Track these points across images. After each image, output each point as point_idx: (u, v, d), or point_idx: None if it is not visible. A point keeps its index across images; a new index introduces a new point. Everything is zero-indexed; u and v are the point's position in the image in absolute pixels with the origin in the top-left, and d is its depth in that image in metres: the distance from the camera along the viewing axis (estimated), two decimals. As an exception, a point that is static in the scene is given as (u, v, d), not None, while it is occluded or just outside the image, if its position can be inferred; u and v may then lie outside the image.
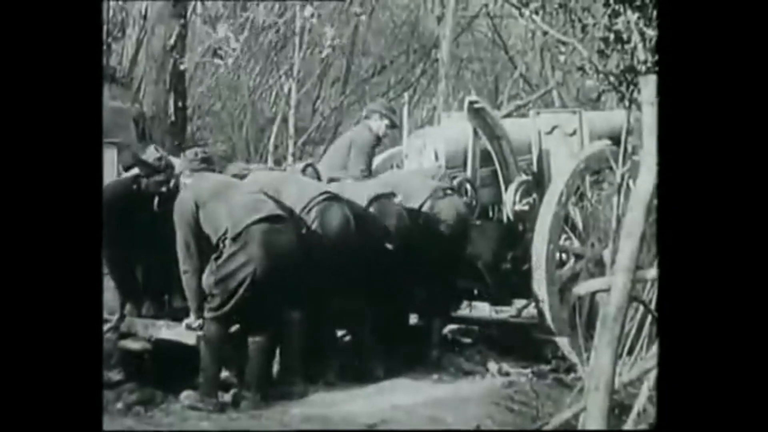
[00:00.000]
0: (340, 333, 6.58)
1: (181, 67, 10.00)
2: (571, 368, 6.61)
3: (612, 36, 5.10)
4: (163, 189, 5.92)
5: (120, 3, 10.89)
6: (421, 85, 16.85)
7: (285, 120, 11.73)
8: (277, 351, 5.79)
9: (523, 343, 7.36)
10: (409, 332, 6.89)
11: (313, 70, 14.89)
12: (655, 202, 3.54)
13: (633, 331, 5.01)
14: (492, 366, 6.71)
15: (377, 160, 7.83)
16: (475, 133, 7.35)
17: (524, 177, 7.39)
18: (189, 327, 5.60)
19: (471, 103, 7.26)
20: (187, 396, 5.40)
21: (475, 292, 7.61)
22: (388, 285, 6.22)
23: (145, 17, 10.50)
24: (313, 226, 5.83)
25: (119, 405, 5.41)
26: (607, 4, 5.07)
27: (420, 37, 16.91)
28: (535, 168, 7.50)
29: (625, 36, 5.02)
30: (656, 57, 4.58)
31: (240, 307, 5.42)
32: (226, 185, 5.75)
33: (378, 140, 7.48)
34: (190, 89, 12.17)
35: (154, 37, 10.03)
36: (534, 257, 6.91)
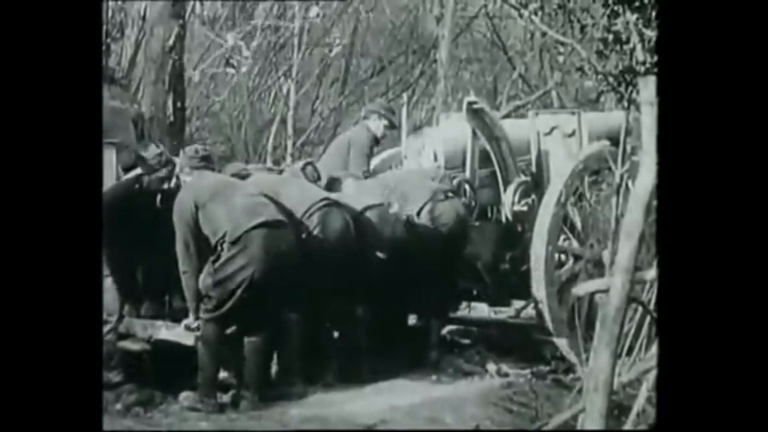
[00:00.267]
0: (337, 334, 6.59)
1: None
2: (570, 369, 6.59)
3: (611, 37, 5.11)
4: (165, 186, 5.94)
5: (119, 3, 10.87)
6: (420, 86, 16.82)
7: (284, 121, 11.73)
8: (277, 352, 5.80)
9: (522, 344, 7.35)
10: (408, 333, 6.89)
11: (312, 70, 14.89)
12: (654, 202, 3.53)
13: (632, 332, 4.99)
14: (491, 367, 6.71)
15: (376, 161, 7.83)
16: (474, 133, 7.35)
17: (523, 178, 7.38)
18: (188, 328, 5.59)
19: (470, 103, 7.26)
20: (186, 397, 5.40)
21: (474, 292, 7.60)
22: (385, 289, 6.22)
23: (144, 18, 10.47)
24: (315, 232, 5.84)
25: (119, 406, 5.41)
26: (606, 5, 5.08)
27: (419, 37, 16.89)
28: (534, 169, 7.48)
29: (624, 37, 5.02)
30: (655, 58, 4.58)
31: (237, 309, 5.42)
32: (226, 185, 5.74)
33: (377, 141, 7.48)
34: (189, 90, 12.15)
35: (153, 38, 10.00)
36: (533, 258, 6.90)
